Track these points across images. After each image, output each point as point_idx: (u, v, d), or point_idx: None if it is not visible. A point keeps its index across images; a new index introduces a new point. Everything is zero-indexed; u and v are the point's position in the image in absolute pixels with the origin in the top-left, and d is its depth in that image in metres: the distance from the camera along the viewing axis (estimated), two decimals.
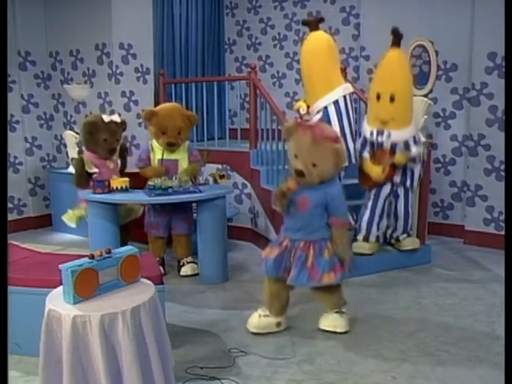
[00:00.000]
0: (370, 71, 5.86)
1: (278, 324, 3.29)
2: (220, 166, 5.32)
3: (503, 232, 4.79)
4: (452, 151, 5.41)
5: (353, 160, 4.37)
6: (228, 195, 4.39)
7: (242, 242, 5.28)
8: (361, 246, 4.35)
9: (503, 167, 4.93)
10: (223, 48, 7.20)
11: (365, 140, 4.37)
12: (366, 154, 4.35)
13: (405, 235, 4.48)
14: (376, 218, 4.39)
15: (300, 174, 3.02)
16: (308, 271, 3.08)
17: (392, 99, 4.14)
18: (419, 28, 5.28)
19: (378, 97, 4.22)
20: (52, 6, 5.84)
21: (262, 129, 5.07)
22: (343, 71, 5.65)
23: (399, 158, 4.20)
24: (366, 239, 4.39)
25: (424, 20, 5.29)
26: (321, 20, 4.45)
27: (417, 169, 4.35)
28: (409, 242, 4.46)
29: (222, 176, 4.55)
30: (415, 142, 4.26)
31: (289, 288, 3.27)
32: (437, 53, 5.22)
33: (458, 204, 5.43)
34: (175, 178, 4.07)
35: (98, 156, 4.33)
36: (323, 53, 4.30)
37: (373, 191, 4.41)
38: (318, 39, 4.34)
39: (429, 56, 5.28)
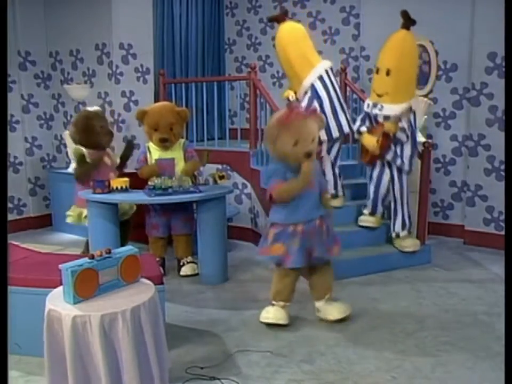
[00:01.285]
0: (370, 71, 5.85)
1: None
2: (219, 166, 5.32)
3: (503, 232, 4.79)
4: (452, 151, 5.41)
5: (346, 130, 4.47)
6: (228, 195, 4.39)
7: (242, 242, 5.28)
8: (367, 220, 4.57)
9: (503, 167, 4.93)
10: (223, 48, 7.20)
11: (365, 114, 4.49)
12: (364, 129, 4.46)
13: (405, 231, 4.49)
14: (381, 197, 4.55)
15: (311, 154, 3.11)
16: (325, 246, 3.25)
17: (388, 73, 4.27)
18: (419, 27, 5.25)
19: (377, 71, 4.39)
20: (52, 6, 5.85)
21: (262, 129, 5.06)
22: (343, 71, 5.67)
23: (388, 125, 4.28)
24: (372, 214, 4.58)
25: (424, 19, 5.27)
26: (286, 12, 4.67)
27: (408, 148, 4.39)
28: (410, 243, 4.47)
29: (221, 177, 4.55)
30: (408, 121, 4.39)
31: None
32: (437, 53, 5.21)
33: (458, 204, 5.43)
34: (175, 178, 4.07)
35: (98, 147, 4.32)
36: (297, 38, 4.47)
37: (374, 177, 4.53)
38: (287, 27, 4.50)
39: (429, 56, 5.27)
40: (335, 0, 6.31)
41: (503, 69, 4.81)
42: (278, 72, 6.83)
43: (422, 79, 5.33)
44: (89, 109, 4.47)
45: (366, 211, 4.63)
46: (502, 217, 4.98)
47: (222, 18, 7.13)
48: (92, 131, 4.29)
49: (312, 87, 4.39)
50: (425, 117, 5.12)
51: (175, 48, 6.58)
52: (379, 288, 4.02)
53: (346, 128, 4.47)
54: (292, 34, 4.49)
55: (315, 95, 4.38)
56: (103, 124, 4.35)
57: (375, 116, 4.37)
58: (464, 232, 5.25)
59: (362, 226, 4.59)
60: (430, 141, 5.03)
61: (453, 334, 3.23)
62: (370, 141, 4.40)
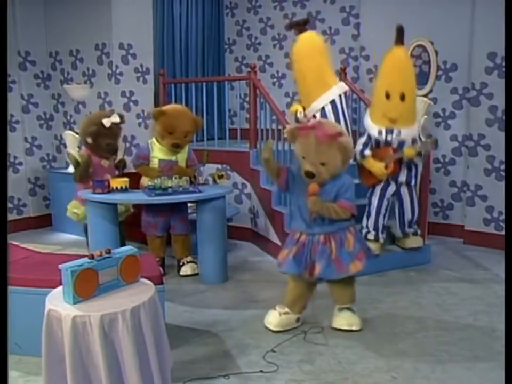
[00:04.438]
0: (370, 71, 5.87)
1: (298, 320, 3.34)
2: (219, 166, 5.32)
3: (503, 232, 4.79)
4: (452, 151, 5.41)
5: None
6: (227, 195, 4.39)
7: (242, 242, 5.28)
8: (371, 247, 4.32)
9: (503, 167, 4.93)
10: (223, 48, 7.20)
11: (369, 138, 4.32)
12: (368, 153, 4.29)
13: (409, 234, 4.48)
14: (382, 218, 4.39)
15: (309, 175, 3.04)
16: (334, 264, 3.11)
17: (402, 98, 4.15)
18: (419, 28, 5.27)
19: (387, 95, 4.19)
20: (52, 6, 5.84)
21: (262, 129, 5.07)
22: (343, 71, 5.67)
23: (409, 151, 4.17)
24: (376, 239, 4.37)
25: (424, 20, 5.29)
26: (307, 21, 4.43)
27: (420, 166, 4.38)
28: (413, 241, 4.46)
29: (221, 176, 4.55)
30: (420, 138, 4.32)
31: (314, 286, 3.31)
32: (436, 53, 5.21)
33: (458, 204, 5.43)
34: (175, 178, 4.07)
35: (99, 156, 4.37)
36: (315, 53, 4.33)
37: (378, 191, 4.38)
38: (309, 39, 4.35)
39: (429, 56, 5.27)
40: (335, 0, 6.31)
41: (503, 69, 4.81)
42: (277, 72, 6.84)
43: (422, 79, 5.33)
44: (105, 121, 4.27)
45: (370, 237, 4.37)
46: (502, 217, 4.98)
47: (222, 18, 7.13)
48: (98, 147, 4.34)
49: (323, 110, 4.29)
50: (425, 117, 5.12)
51: (175, 48, 6.58)
52: (379, 288, 4.02)
53: None
54: (311, 47, 4.32)
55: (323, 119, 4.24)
56: (109, 141, 4.31)
57: (389, 142, 4.23)
58: (464, 232, 5.25)
59: None
60: (429, 140, 5.03)
61: (453, 334, 3.23)
62: (378, 167, 4.24)
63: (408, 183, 4.35)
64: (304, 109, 4.47)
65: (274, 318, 3.29)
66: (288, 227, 3.30)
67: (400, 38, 4.19)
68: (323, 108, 4.30)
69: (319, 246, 3.13)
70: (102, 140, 4.30)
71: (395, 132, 4.20)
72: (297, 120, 4.40)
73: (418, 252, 4.54)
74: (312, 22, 4.47)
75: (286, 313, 3.29)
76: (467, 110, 5.25)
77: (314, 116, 4.26)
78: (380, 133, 4.24)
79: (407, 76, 4.21)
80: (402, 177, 4.32)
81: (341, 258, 3.12)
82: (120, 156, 4.57)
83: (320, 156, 3.00)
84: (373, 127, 4.29)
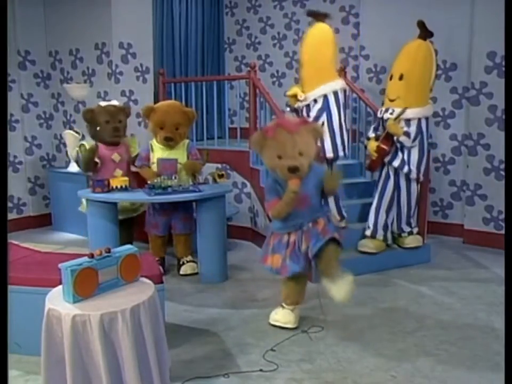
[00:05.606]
0: (369, 71, 5.86)
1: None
2: (219, 165, 5.31)
3: (502, 232, 4.79)
4: (452, 150, 5.42)
5: (341, 153, 4.36)
6: (227, 194, 4.39)
7: (242, 242, 5.28)
8: (366, 245, 4.35)
9: (502, 166, 4.94)
10: (223, 48, 7.20)
11: (378, 122, 4.51)
12: (372, 134, 4.47)
13: (405, 233, 4.49)
14: (383, 214, 4.40)
15: (294, 169, 3.00)
16: (321, 235, 3.07)
17: (400, 77, 4.31)
18: None
19: (391, 78, 4.44)
20: (52, 6, 5.84)
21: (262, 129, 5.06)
22: (343, 70, 5.67)
23: (391, 123, 4.21)
24: (373, 236, 4.40)
25: (424, 19, 5.27)
26: (327, 15, 4.52)
27: (415, 153, 4.34)
28: (412, 240, 4.48)
29: (221, 176, 4.55)
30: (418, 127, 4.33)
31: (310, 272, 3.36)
32: (436, 52, 5.21)
33: (457, 203, 5.43)
34: (175, 177, 4.07)
35: (107, 142, 4.38)
36: (331, 44, 4.42)
37: (379, 187, 4.44)
38: (327, 30, 4.43)
39: None
40: (334, 0, 6.30)
41: (503, 68, 4.82)
42: (277, 71, 6.83)
43: None
44: (102, 103, 4.53)
45: (367, 232, 4.44)
46: (502, 216, 4.98)
47: (221, 17, 7.13)
48: (98, 127, 4.38)
49: (325, 98, 4.31)
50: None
51: (174, 47, 6.58)
52: (378, 288, 4.02)
53: (340, 152, 4.34)
54: (330, 36, 4.41)
55: (326, 107, 4.29)
56: (108, 118, 4.34)
57: (386, 121, 4.32)
58: (464, 231, 5.25)
59: (362, 252, 4.36)
60: (429, 140, 5.03)
61: (452, 334, 3.23)
62: (371, 145, 4.38)
63: (401, 169, 4.33)
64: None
65: (290, 316, 3.31)
66: (273, 230, 3.26)
67: (420, 32, 4.36)
68: (326, 97, 4.32)
69: (309, 231, 3.11)
70: (100, 117, 4.34)
71: (390, 110, 4.34)
72: (290, 107, 4.61)
73: (418, 251, 4.54)
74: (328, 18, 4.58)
75: (294, 309, 3.33)
76: (467, 110, 5.25)
77: (315, 100, 4.33)
78: (380, 112, 4.45)
79: (409, 59, 4.32)
80: (396, 162, 4.34)
81: (328, 228, 3.12)
82: (136, 150, 4.55)
83: (297, 145, 2.99)
84: (379, 109, 4.52)
